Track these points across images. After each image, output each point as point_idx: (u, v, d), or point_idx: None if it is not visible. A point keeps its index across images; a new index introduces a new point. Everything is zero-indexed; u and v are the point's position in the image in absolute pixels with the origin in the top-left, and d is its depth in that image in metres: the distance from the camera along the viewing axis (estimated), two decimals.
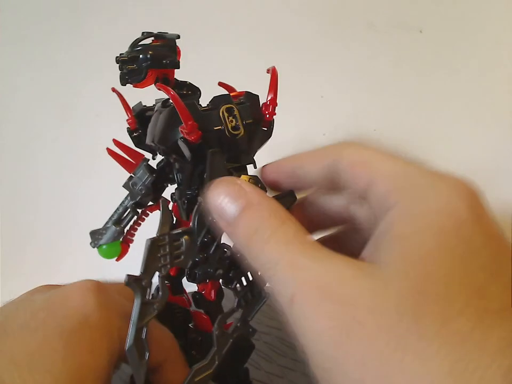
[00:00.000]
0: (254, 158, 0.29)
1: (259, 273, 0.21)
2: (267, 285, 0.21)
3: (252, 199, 0.21)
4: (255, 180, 0.27)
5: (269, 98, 0.28)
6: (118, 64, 0.28)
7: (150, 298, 0.24)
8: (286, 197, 0.27)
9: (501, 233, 0.19)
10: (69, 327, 0.24)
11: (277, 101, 0.29)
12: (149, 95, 0.31)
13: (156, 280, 0.25)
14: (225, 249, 0.27)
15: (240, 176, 0.27)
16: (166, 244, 0.24)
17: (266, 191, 0.27)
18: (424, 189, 0.19)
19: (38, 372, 0.22)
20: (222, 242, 0.27)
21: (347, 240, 0.27)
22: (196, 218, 0.25)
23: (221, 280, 0.28)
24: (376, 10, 0.61)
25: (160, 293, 0.25)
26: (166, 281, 0.34)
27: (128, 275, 0.24)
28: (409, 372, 0.15)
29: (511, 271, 0.17)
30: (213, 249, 0.26)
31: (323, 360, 0.18)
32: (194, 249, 0.25)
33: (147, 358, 0.24)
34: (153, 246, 0.24)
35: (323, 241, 0.27)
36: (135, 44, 0.28)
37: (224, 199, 0.22)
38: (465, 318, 0.16)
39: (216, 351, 0.26)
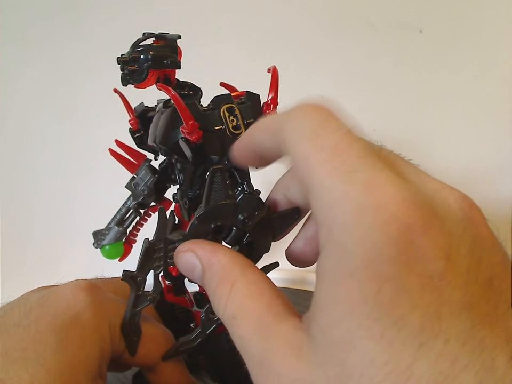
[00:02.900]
0: None
1: None
2: None
3: (204, 269, 0.23)
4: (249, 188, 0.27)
5: (270, 97, 0.28)
6: (119, 65, 0.28)
7: (143, 291, 0.27)
8: (289, 214, 0.26)
9: (447, 272, 0.15)
10: (60, 323, 0.24)
11: (278, 100, 0.29)
12: (151, 95, 0.31)
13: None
14: None
15: (241, 176, 0.27)
16: (162, 248, 0.26)
17: (260, 193, 0.27)
18: (348, 234, 0.16)
19: (32, 366, 0.22)
20: None
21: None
22: (192, 230, 0.26)
23: None
24: (376, 10, 0.61)
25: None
26: (168, 282, 0.34)
27: (124, 271, 0.26)
28: None
29: (447, 330, 0.15)
30: None
31: None
32: None
33: (138, 337, 0.28)
34: (149, 249, 0.26)
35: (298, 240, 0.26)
36: (136, 44, 0.28)
37: (186, 270, 0.24)
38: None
39: (200, 331, 0.28)
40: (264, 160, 0.23)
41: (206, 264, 0.23)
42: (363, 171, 0.16)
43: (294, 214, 0.26)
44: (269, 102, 0.28)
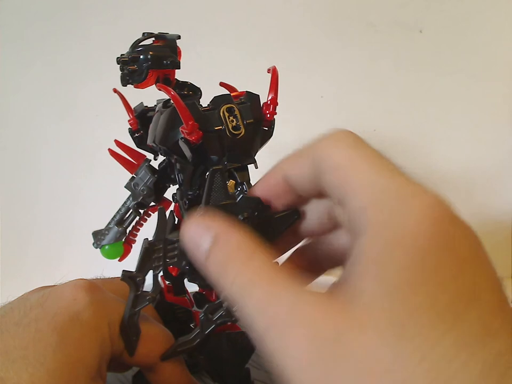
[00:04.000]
0: (255, 158, 0.29)
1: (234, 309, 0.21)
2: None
3: (218, 236, 0.21)
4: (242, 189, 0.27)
5: (270, 97, 0.28)
6: (119, 65, 0.28)
7: (142, 291, 0.27)
8: (289, 215, 0.26)
9: (476, 253, 0.18)
10: (60, 322, 0.24)
11: (278, 101, 0.29)
12: (151, 95, 0.31)
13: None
14: None
15: (241, 176, 0.27)
16: (161, 248, 0.26)
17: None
18: (393, 213, 0.18)
19: (31, 365, 0.22)
20: None
21: (316, 251, 0.27)
22: None
23: None
24: (376, 10, 0.61)
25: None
26: (168, 282, 0.34)
27: (124, 271, 0.26)
28: None
29: (489, 295, 0.17)
30: None
31: None
32: (187, 254, 0.26)
33: (137, 337, 0.27)
34: (148, 249, 0.26)
35: (292, 257, 0.27)
36: (136, 44, 0.28)
37: (193, 242, 0.22)
38: (449, 343, 0.16)
39: (199, 332, 0.28)
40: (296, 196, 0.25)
41: (222, 234, 0.21)
42: (399, 172, 0.20)
43: (293, 214, 0.26)
44: (268, 102, 0.28)
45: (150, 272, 0.27)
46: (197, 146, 0.25)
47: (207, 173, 0.25)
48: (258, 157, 0.29)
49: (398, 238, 0.17)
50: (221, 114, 0.26)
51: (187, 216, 0.29)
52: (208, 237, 0.21)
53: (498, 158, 0.63)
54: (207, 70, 0.43)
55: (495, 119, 0.62)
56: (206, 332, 0.28)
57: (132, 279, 0.26)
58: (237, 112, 0.26)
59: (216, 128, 0.26)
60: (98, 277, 0.34)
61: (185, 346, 0.28)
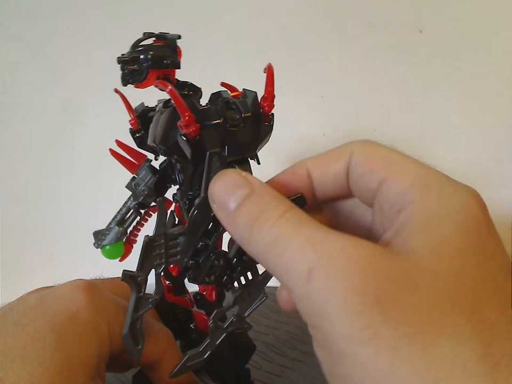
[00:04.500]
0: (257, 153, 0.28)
1: (263, 257, 0.20)
2: (273, 270, 0.20)
3: (255, 187, 0.21)
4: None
5: (267, 91, 0.28)
6: (119, 65, 0.28)
7: (145, 293, 0.26)
8: (295, 201, 0.26)
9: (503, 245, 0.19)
10: (59, 322, 0.24)
11: (275, 93, 0.28)
12: (151, 95, 0.31)
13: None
14: (219, 258, 0.27)
15: (242, 169, 0.26)
16: (162, 244, 0.25)
17: None
18: (444, 188, 0.20)
19: (30, 364, 0.22)
20: (217, 250, 0.27)
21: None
22: (192, 219, 0.25)
23: None
24: (376, 10, 0.61)
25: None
26: (168, 282, 0.34)
27: (124, 271, 0.25)
28: (442, 356, 0.15)
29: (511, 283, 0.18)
30: (203, 258, 0.26)
31: (346, 343, 0.16)
32: (190, 249, 0.26)
33: (141, 345, 0.26)
34: (149, 245, 0.25)
35: None
36: (136, 44, 0.28)
37: (226, 188, 0.21)
38: (491, 308, 0.17)
39: (209, 342, 0.27)
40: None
41: (259, 187, 0.21)
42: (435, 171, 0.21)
43: (300, 201, 0.25)
44: (265, 96, 0.28)
45: (151, 272, 0.26)
46: (195, 141, 0.25)
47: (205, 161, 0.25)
48: (258, 156, 0.29)
49: (447, 211, 0.19)
50: (219, 108, 0.26)
51: (187, 217, 0.29)
52: (246, 185, 0.21)
53: (498, 158, 0.63)
54: (208, 70, 0.43)
55: (495, 119, 0.62)
56: (217, 343, 0.27)
57: (133, 279, 0.25)
58: (235, 106, 0.26)
59: (214, 122, 0.25)
60: (98, 277, 0.34)
61: (195, 360, 0.27)
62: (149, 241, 0.25)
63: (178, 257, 0.26)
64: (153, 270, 0.26)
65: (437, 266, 0.17)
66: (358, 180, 0.23)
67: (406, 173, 0.21)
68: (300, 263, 0.18)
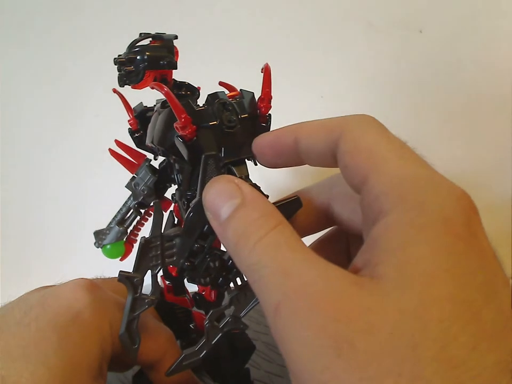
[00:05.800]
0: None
1: (246, 275, 0.20)
2: (253, 290, 0.20)
3: (246, 199, 0.21)
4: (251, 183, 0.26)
5: (264, 91, 0.28)
6: (116, 66, 0.28)
7: (141, 294, 0.26)
8: (290, 203, 0.26)
9: (494, 252, 0.18)
10: (61, 321, 0.24)
11: (272, 94, 0.28)
12: (150, 95, 0.31)
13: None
14: (215, 260, 0.27)
15: (239, 170, 0.26)
16: (158, 245, 0.25)
17: (268, 197, 0.27)
18: (423, 194, 0.18)
19: (32, 364, 0.22)
20: (213, 252, 0.27)
21: (334, 241, 0.28)
22: (188, 221, 0.25)
23: None
24: (376, 10, 0.61)
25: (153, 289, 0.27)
26: (168, 282, 0.34)
27: (121, 272, 0.25)
28: None
29: (504, 293, 0.17)
30: (199, 259, 0.26)
31: (307, 381, 0.16)
32: (186, 251, 0.26)
33: (138, 345, 0.26)
34: (145, 247, 0.25)
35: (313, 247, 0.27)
36: (132, 45, 0.28)
37: (217, 198, 0.22)
38: (461, 343, 0.15)
39: (205, 341, 0.27)
40: (283, 159, 0.25)
41: (250, 198, 0.21)
42: (424, 161, 0.20)
43: (295, 203, 0.26)
44: (262, 97, 0.28)
45: (148, 273, 0.26)
46: (192, 142, 0.25)
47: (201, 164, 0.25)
48: None
49: (423, 226, 0.17)
50: (215, 109, 0.26)
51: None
52: (238, 195, 0.21)
53: (498, 158, 0.63)
54: (205, 70, 0.43)
55: (495, 119, 0.62)
56: (213, 342, 0.27)
57: (129, 280, 0.25)
58: (231, 107, 0.26)
59: (211, 123, 0.25)
60: (99, 277, 0.34)
61: (191, 359, 0.27)
62: (145, 243, 0.25)
63: (175, 258, 0.26)
64: (149, 271, 0.26)
65: (401, 304, 0.16)
66: (344, 171, 0.22)
67: (385, 173, 0.19)
68: (270, 296, 0.18)
